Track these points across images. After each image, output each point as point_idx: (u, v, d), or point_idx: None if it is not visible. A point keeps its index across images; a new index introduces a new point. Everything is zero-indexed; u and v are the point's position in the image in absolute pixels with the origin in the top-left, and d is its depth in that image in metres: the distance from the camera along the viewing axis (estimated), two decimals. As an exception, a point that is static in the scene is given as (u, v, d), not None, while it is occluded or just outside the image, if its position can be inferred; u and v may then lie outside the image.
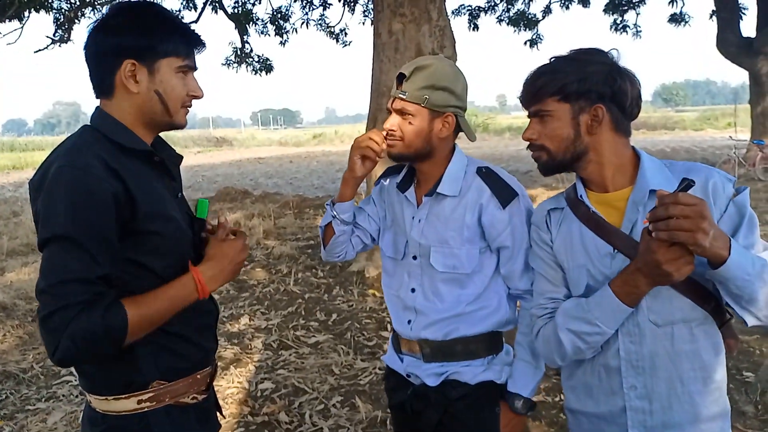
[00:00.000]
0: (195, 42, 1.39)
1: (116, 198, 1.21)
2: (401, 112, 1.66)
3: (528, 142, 1.45)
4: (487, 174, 1.73)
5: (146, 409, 1.33)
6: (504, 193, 1.69)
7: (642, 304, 1.32)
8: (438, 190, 1.72)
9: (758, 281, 1.18)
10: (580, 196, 1.42)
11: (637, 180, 1.36)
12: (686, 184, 1.15)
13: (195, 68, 1.40)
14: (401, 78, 1.65)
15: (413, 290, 1.78)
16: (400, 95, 1.64)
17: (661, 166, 1.38)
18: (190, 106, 1.41)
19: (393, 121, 1.68)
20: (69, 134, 1.36)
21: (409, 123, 1.65)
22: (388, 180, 1.91)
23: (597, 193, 1.42)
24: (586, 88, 1.33)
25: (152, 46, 1.31)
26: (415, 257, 1.78)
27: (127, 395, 1.32)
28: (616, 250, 1.36)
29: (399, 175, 1.87)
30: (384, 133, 1.69)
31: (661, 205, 1.12)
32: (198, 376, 1.42)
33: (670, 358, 1.33)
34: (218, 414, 1.56)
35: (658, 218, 1.12)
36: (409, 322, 1.79)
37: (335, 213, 1.81)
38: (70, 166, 1.21)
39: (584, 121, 1.35)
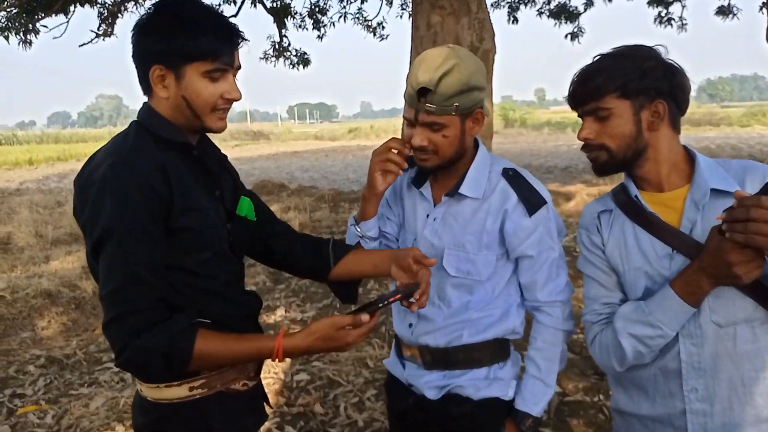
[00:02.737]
0: (228, 41, 1.30)
1: (161, 196, 1.22)
2: (430, 125, 1.50)
3: (583, 143, 1.40)
4: (513, 177, 1.60)
5: (198, 396, 1.33)
6: (532, 200, 1.57)
7: (704, 305, 1.28)
8: (460, 191, 1.60)
9: None
10: (635, 196, 1.38)
11: (695, 179, 1.33)
12: None
13: (230, 68, 1.32)
14: (425, 92, 1.46)
15: None
16: (429, 109, 1.47)
17: (716, 165, 1.34)
18: (227, 108, 1.35)
19: (423, 136, 1.52)
20: (111, 126, 1.36)
21: (443, 135, 1.51)
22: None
23: (651, 192, 1.38)
24: (646, 85, 1.30)
25: (176, 51, 1.25)
26: None
27: (179, 382, 1.32)
28: (675, 251, 1.32)
29: (411, 169, 1.72)
30: (407, 146, 1.55)
31: (740, 207, 1.08)
32: (247, 363, 1.41)
33: (732, 359, 1.29)
34: (265, 404, 1.56)
35: (736, 219, 1.08)
36: (410, 326, 1.69)
37: (362, 233, 1.68)
38: (120, 164, 1.21)
39: (645, 118, 1.33)
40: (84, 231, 1.24)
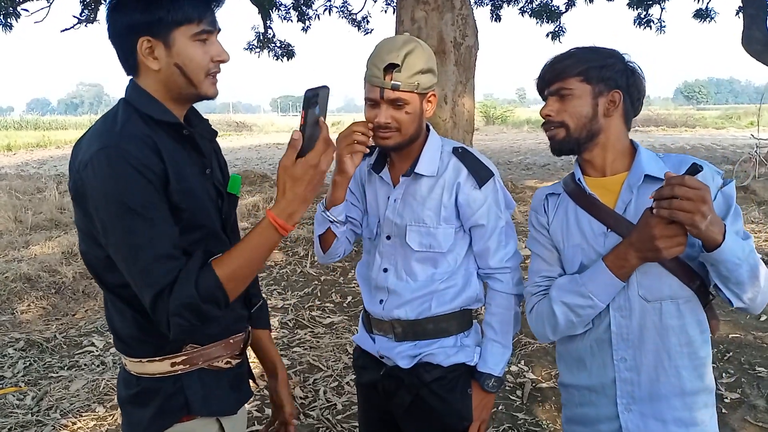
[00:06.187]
0: (207, 1, 1.29)
1: (158, 174, 1.23)
2: (394, 102, 1.61)
3: (545, 120, 1.51)
4: (463, 154, 1.74)
5: (180, 372, 1.35)
6: (481, 173, 1.71)
7: (633, 280, 1.40)
8: (416, 170, 1.72)
9: (746, 266, 1.27)
10: (578, 179, 1.51)
11: (633, 165, 1.46)
12: (694, 169, 1.22)
13: (214, 30, 1.31)
14: (392, 67, 1.58)
15: (385, 270, 1.79)
16: (394, 85, 1.59)
17: (656, 157, 1.48)
18: (218, 72, 1.35)
19: (387, 113, 1.62)
20: (92, 114, 1.33)
21: (406, 112, 1.62)
22: None
23: (595, 177, 1.51)
24: (606, 75, 1.43)
25: (161, 18, 1.23)
26: (389, 237, 1.77)
27: (160, 358, 1.34)
28: (609, 230, 1.44)
29: (370, 156, 1.84)
30: (369, 125, 1.63)
31: (667, 185, 1.20)
32: (231, 341, 1.43)
33: (658, 332, 1.41)
34: (251, 382, 1.59)
35: (663, 196, 1.20)
36: (381, 302, 1.79)
37: (332, 217, 1.74)
38: (114, 147, 1.20)
39: (602, 103, 1.45)
40: (88, 214, 1.25)
